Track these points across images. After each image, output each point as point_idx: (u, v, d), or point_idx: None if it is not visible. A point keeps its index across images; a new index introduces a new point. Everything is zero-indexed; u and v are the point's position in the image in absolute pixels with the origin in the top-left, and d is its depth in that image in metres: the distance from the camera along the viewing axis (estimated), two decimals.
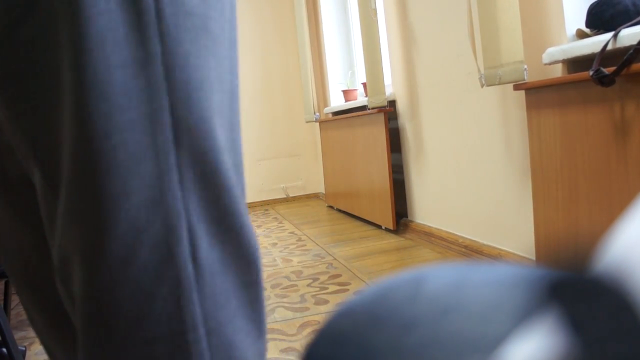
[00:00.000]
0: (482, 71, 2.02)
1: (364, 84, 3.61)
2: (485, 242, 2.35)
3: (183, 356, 0.49)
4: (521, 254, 2.09)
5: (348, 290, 2.21)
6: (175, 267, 0.48)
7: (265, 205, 5.08)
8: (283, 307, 2.08)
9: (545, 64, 1.73)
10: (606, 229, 0.24)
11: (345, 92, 4.11)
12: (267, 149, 5.11)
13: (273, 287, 2.36)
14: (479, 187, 2.36)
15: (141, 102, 0.46)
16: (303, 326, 1.86)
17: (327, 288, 2.26)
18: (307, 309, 2.04)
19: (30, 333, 2.02)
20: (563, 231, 1.66)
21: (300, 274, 2.53)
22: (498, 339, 0.23)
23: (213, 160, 0.50)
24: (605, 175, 1.50)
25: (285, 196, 5.17)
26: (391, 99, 3.21)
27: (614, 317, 0.18)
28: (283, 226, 3.88)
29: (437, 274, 0.29)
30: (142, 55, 0.46)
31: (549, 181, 1.75)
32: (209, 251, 0.50)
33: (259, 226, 3.99)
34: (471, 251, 2.41)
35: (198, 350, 0.50)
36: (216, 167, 0.51)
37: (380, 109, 3.13)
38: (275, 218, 4.29)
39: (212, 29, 0.51)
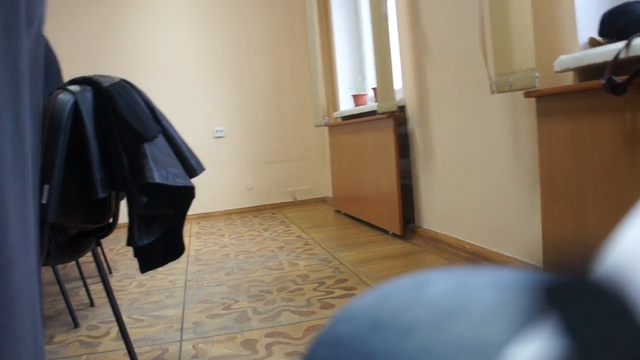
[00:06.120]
0: (493, 78, 2.01)
1: (374, 89, 3.61)
2: (492, 249, 2.34)
3: None
4: (529, 261, 2.08)
5: (354, 294, 2.20)
6: None
7: (273, 208, 5.08)
8: (289, 310, 2.08)
9: (557, 72, 1.72)
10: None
11: (355, 97, 4.11)
12: (276, 152, 5.12)
13: (279, 290, 2.36)
14: (488, 193, 2.35)
15: None
16: (309, 330, 1.85)
17: (333, 292, 2.26)
18: (313, 312, 2.03)
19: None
20: (571, 239, 1.65)
21: (306, 277, 2.52)
22: (498, 344, 0.23)
23: None
24: (615, 184, 1.49)
25: (292, 200, 5.17)
26: (401, 104, 3.20)
27: (612, 321, 0.18)
28: (290, 230, 3.88)
29: (438, 279, 0.29)
30: None
31: (557, 189, 1.74)
32: None
33: (265, 229, 4.00)
34: (478, 258, 2.40)
35: None
36: None
37: (389, 114, 3.13)
38: (282, 222, 4.29)
39: None
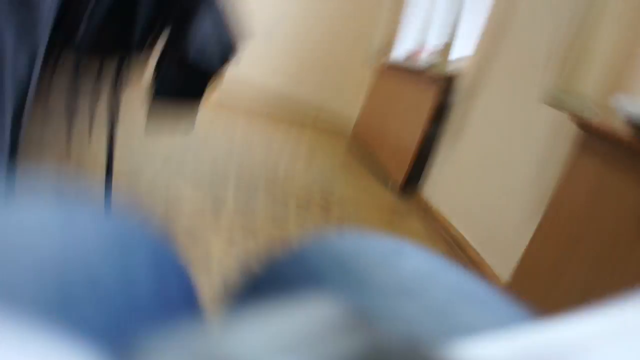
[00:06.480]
0: (551, 89, 1.95)
1: (435, 48, 3.51)
2: (472, 244, 2.36)
3: None
4: (498, 273, 2.10)
5: (331, 222, 2.25)
6: None
7: (293, 125, 4.96)
8: (267, 207, 2.12)
9: (613, 110, 1.65)
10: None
11: (411, 51, 4.01)
12: (317, 64, 5.01)
13: (265, 189, 2.40)
14: (494, 194, 2.35)
15: None
16: (275, 232, 1.90)
17: (313, 211, 2.34)
18: (287, 220, 2.11)
19: None
20: (544, 280, 1.54)
21: (294, 190, 2.56)
22: (431, 342, 0.24)
23: None
24: (613, 264, 1.28)
25: (313, 124, 5.10)
26: (455, 73, 3.11)
27: None
28: (300, 148, 3.88)
29: (416, 256, 0.30)
30: None
31: (556, 230, 1.56)
32: None
33: (277, 135, 4.00)
34: (456, 245, 2.42)
35: None
36: None
37: (438, 78, 3.06)
38: (297, 138, 4.30)
39: None
